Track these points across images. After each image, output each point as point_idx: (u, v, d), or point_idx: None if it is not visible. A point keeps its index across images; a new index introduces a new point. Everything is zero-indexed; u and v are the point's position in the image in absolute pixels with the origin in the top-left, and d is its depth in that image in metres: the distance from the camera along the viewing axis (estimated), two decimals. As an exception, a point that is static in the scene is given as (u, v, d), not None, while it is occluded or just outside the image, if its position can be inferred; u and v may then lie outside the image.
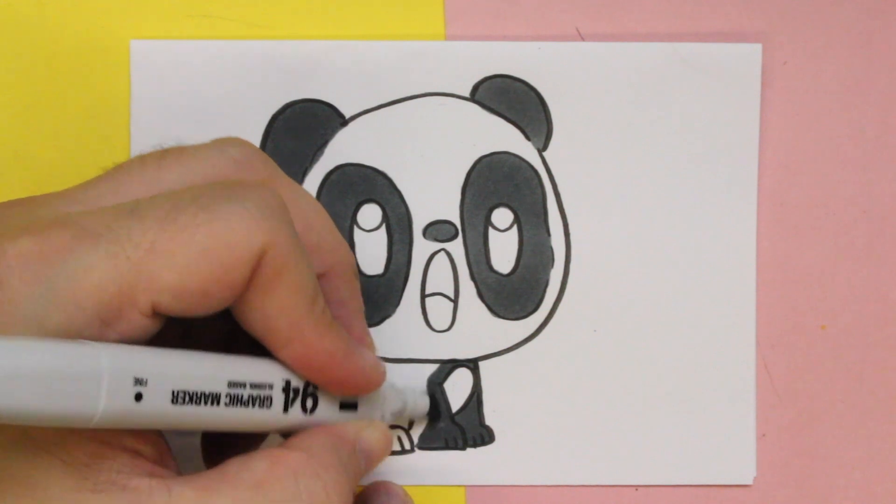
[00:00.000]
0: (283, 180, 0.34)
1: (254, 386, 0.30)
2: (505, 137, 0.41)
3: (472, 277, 0.40)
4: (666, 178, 0.41)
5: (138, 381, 0.26)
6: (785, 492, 0.41)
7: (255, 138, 0.40)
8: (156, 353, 0.28)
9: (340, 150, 0.40)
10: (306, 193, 0.34)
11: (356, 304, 0.35)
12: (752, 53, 0.41)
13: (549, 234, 0.41)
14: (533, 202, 0.41)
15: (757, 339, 0.41)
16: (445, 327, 0.40)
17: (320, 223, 0.34)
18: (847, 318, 0.41)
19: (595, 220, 0.41)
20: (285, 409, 0.31)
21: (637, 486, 0.41)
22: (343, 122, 0.40)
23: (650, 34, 0.41)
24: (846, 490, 0.41)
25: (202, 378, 0.29)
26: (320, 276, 0.34)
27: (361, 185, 0.40)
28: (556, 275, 0.40)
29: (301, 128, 0.40)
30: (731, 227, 0.41)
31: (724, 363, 0.40)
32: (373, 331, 0.40)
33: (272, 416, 0.31)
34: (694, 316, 0.40)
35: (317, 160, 0.40)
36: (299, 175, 0.40)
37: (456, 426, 0.40)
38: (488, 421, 0.40)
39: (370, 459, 0.34)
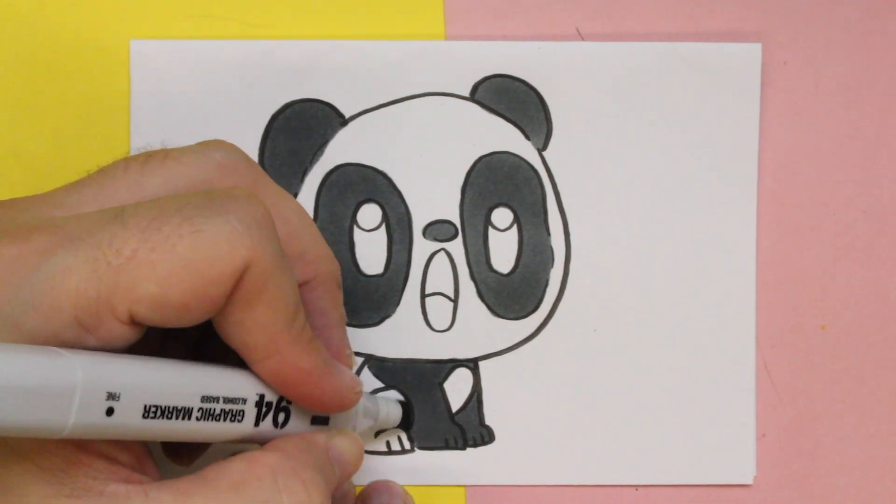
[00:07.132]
0: (268, 186, 0.33)
1: (227, 400, 0.30)
2: (505, 137, 0.41)
3: (472, 277, 0.40)
4: (666, 178, 0.41)
5: (111, 396, 0.26)
6: (785, 492, 0.41)
7: (255, 138, 0.40)
8: (131, 364, 0.27)
9: (340, 149, 0.40)
10: (292, 200, 0.34)
11: (337, 315, 0.35)
12: (751, 53, 0.41)
13: (548, 234, 0.41)
14: (533, 202, 0.41)
15: (757, 339, 0.41)
16: (445, 327, 0.40)
17: (305, 231, 0.34)
18: (847, 318, 0.41)
19: (595, 220, 0.41)
20: (256, 423, 0.31)
21: (637, 486, 0.41)
22: (343, 121, 0.40)
23: (650, 34, 0.41)
24: (846, 490, 0.41)
25: (175, 392, 0.28)
26: (303, 285, 0.33)
27: (361, 185, 0.40)
28: (555, 274, 0.40)
29: (301, 128, 0.40)
30: (731, 227, 0.41)
31: (724, 363, 0.40)
32: (372, 330, 0.40)
33: (242, 428, 0.30)
34: (694, 316, 0.40)
35: (316, 160, 0.40)
36: (299, 175, 0.40)
37: (456, 426, 0.40)
38: (488, 421, 0.40)
39: (343, 467, 0.33)
